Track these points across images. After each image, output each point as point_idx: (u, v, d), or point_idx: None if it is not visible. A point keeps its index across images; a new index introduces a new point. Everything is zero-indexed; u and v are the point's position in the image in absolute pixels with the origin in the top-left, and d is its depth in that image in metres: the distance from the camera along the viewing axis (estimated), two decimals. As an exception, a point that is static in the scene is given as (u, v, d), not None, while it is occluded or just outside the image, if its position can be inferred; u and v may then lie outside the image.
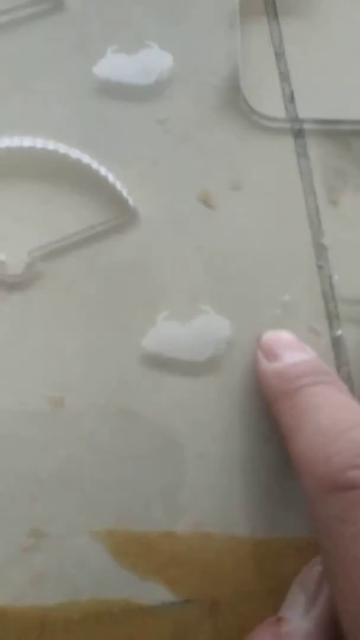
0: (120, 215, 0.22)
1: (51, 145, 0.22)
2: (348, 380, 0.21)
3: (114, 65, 0.23)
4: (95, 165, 0.22)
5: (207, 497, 0.20)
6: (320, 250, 0.22)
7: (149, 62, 0.23)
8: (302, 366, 0.19)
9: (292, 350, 0.19)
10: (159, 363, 0.21)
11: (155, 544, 0.20)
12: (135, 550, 0.20)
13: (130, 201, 0.22)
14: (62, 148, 0.22)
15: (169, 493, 0.20)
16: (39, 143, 0.22)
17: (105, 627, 0.19)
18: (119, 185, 0.22)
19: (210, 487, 0.20)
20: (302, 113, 0.24)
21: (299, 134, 0.23)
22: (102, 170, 0.22)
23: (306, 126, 0.23)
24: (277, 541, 0.20)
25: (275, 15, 0.25)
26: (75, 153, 0.22)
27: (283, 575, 0.19)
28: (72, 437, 0.20)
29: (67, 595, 0.19)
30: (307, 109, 0.24)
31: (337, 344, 0.21)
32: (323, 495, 0.15)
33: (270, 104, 0.24)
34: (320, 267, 0.22)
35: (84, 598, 0.19)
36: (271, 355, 0.20)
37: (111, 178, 0.22)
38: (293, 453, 0.17)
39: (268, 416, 0.20)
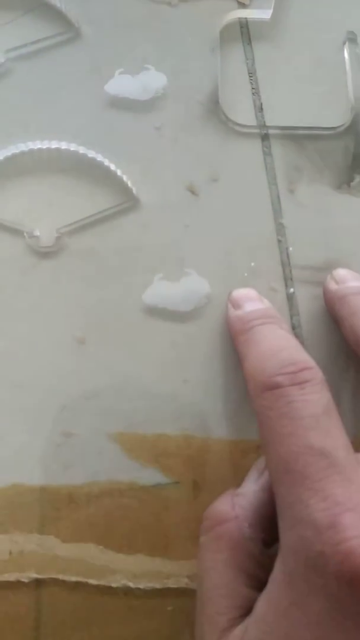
0: (126, 201, 0.26)
1: (73, 146, 0.26)
2: (298, 326, 0.26)
3: (121, 84, 0.27)
4: (106, 162, 0.26)
5: (191, 409, 0.24)
6: (279, 228, 0.26)
7: (148, 82, 0.27)
8: (256, 312, 0.23)
9: (251, 301, 0.24)
10: (156, 312, 0.25)
11: (153, 442, 0.24)
12: (139, 446, 0.24)
13: (134, 190, 0.26)
14: (81, 149, 0.26)
15: (163, 406, 0.24)
16: (64, 145, 0.26)
17: (116, 500, 0.24)
18: (125, 177, 0.26)
19: (193, 402, 0.25)
20: (269, 121, 0.27)
21: (265, 137, 0.27)
22: (112, 166, 0.26)
23: (271, 131, 0.27)
24: (243, 442, 0.24)
25: (249, 41, 0.29)
26: (91, 153, 0.26)
27: (246, 465, 0.23)
28: (91, 365, 0.25)
29: (89, 477, 0.24)
30: (273, 118, 0.28)
31: (290, 299, 0.26)
32: (259, 393, 0.20)
33: (243, 113, 0.27)
34: (279, 241, 0.26)
35: (102, 479, 0.24)
36: (236, 305, 0.24)
37: (119, 172, 0.26)
38: (244, 370, 0.22)
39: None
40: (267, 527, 0.21)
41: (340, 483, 0.18)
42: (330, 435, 0.19)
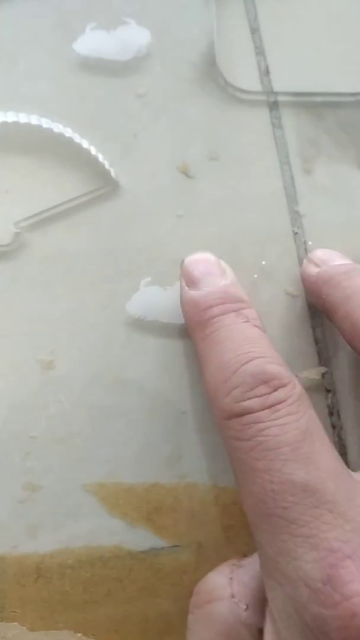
0: (103, 186, 0.23)
1: (34, 119, 0.23)
2: (322, 340, 0.22)
3: (94, 42, 0.24)
4: (77, 138, 0.23)
5: (191, 450, 0.21)
6: (295, 217, 0.23)
7: (127, 38, 0.24)
8: (215, 295, 0.19)
9: (211, 276, 0.20)
10: (143, 326, 0.22)
11: (143, 494, 0.21)
12: (124, 500, 0.21)
13: (112, 172, 0.23)
14: (45, 122, 0.23)
15: (155, 447, 0.21)
16: (22, 118, 0.23)
17: (97, 571, 0.20)
18: (101, 157, 0.23)
19: (193, 442, 0.21)
20: (277, 86, 0.24)
21: (274, 105, 0.24)
22: (84, 143, 0.23)
23: (281, 98, 0.24)
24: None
25: (250, -10, 0.25)
26: (57, 127, 0.23)
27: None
28: (62, 396, 0.21)
29: (61, 543, 0.21)
30: (282, 82, 0.24)
31: (312, 305, 0.22)
32: (224, 419, 0.17)
33: (246, 77, 0.24)
34: (295, 233, 0.23)
35: (77, 545, 0.21)
36: (191, 282, 0.20)
37: (93, 150, 0.23)
38: (204, 383, 0.18)
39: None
40: None
41: (332, 524, 0.15)
42: (314, 464, 0.16)
